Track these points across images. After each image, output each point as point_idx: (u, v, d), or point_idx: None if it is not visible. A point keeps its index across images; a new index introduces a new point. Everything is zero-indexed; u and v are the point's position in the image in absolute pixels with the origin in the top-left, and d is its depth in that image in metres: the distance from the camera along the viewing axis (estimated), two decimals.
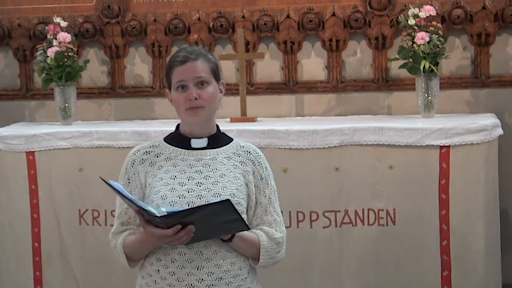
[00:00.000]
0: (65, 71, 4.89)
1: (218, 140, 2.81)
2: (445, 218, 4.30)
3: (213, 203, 2.56)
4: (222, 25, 5.11)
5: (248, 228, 2.67)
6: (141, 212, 2.59)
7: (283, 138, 4.42)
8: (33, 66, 5.22)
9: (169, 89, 2.79)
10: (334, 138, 4.38)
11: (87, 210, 4.59)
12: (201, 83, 2.73)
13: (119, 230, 2.81)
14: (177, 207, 2.63)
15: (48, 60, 4.87)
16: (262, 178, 2.80)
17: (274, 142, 4.42)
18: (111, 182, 2.59)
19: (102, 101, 5.32)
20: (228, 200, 2.53)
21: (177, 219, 2.55)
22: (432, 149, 4.30)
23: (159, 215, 2.54)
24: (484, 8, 4.90)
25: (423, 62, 4.59)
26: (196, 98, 2.71)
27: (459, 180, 4.29)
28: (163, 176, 2.74)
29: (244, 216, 2.70)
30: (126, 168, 2.80)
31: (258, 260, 2.76)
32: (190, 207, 2.62)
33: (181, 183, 2.71)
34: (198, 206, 2.58)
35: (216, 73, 2.78)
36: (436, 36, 4.62)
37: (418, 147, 4.32)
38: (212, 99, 2.74)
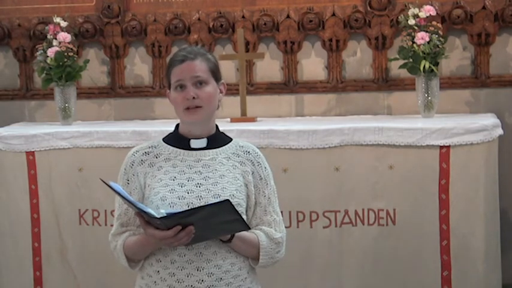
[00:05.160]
0: (65, 71, 4.89)
1: (217, 140, 2.80)
2: (445, 218, 4.30)
3: (212, 204, 2.55)
4: (222, 25, 5.11)
5: (248, 228, 2.66)
6: (141, 213, 2.59)
7: (283, 138, 4.42)
8: (33, 66, 5.23)
9: (170, 88, 2.78)
10: (334, 138, 4.38)
11: (87, 210, 4.59)
12: (199, 83, 2.72)
13: (119, 231, 2.80)
14: (177, 209, 2.63)
15: (48, 60, 4.87)
16: (261, 178, 2.79)
17: (274, 142, 4.42)
18: (112, 184, 2.59)
19: (102, 101, 5.32)
20: (228, 200, 2.52)
21: (176, 220, 2.54)
22: (432, 149, 4.30)
23: (158, 217, 2.54)
24: (484, 8, 4.90)
25: (423, 62, 4.59)
26: (194, 98, 2.70)
27: (459, 180, 4.29)
28: (163, 177, 2.73)
29: (244, 216, 2.69)
30: (125, 169, 2.79)
31: (258, 260, 2.76)
32: (189, 208, 2.62)
33: (181, 184, 2.71)
34: (197, 207, 2.58)
35: (215, 73, 2.77)
36: (436, 36, 4.62)
37: (418, 147, 4.32)
38: (210, 99, 2.73)
